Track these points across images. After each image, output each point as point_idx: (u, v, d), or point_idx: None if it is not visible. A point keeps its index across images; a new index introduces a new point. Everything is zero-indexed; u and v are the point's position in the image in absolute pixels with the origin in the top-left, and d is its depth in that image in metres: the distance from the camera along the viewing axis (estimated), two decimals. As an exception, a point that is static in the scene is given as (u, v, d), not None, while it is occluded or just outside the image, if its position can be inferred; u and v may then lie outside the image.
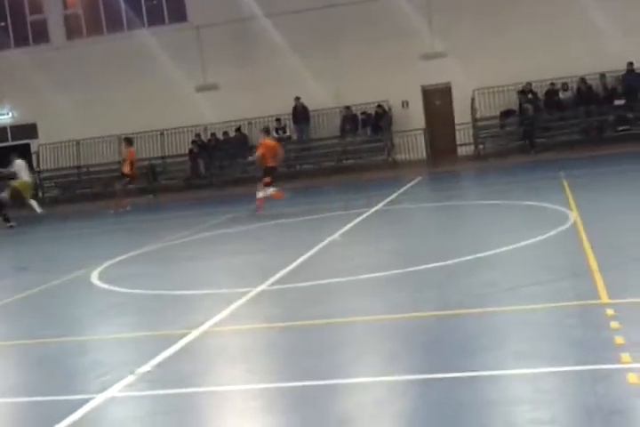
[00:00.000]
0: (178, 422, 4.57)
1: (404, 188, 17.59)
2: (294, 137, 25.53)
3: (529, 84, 23.15)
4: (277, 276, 8.42)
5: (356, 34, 24.59)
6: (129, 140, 20.94)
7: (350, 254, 9.59)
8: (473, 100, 23.36)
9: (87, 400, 4.92)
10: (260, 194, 15.13)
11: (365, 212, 13.24)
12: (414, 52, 24.21)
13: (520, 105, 23.23)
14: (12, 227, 18.72)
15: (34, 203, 19.84)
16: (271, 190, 15.28)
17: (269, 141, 15.52)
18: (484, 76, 23.13)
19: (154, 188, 24.09)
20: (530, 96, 23.22)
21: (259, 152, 15.29)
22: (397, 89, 24.12)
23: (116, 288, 8.99)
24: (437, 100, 25.14)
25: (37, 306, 8.73)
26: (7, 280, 10.90)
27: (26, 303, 8.90)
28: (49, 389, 5.49)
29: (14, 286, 10.03)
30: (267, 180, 15.20)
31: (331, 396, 4.75)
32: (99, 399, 4.94)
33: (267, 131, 16.45)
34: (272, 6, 24.53)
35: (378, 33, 24.26)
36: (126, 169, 20.17)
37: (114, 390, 5.11)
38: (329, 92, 24.29)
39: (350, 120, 24.67)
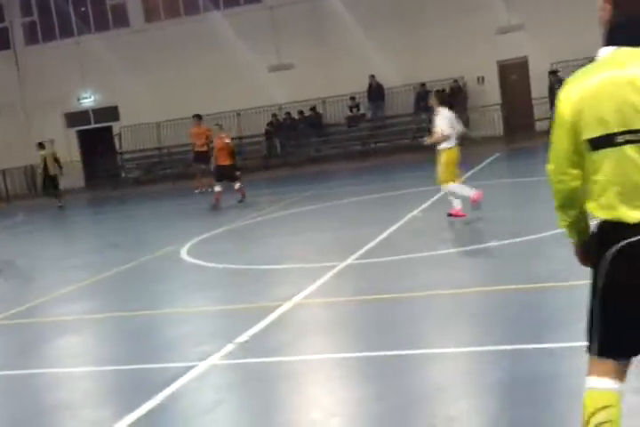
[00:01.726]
0: (273, 389, 4.82)
1: (482, 164, 17.50)
2: (368, 115, 25.58)
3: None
4: (361, 251, 8.62)
5: (429, 9, 24.36)
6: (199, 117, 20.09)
7: (431, 230, 9.70)
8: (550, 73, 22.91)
9: (190, 368, 5.23)
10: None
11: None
12: (489, 27, 23.85)
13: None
14: (61, 207, 19.68)
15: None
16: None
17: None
18: (561, 49, 22.63)
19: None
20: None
21: None
22: (472, 64, 23.84)
23: (206, 263, 9.35)
24: (513, 75, 24.75)
25: (132, 280, 9.16)
26: (101, 256, 11.41)
27: (120, 278, 9.34)
28: (151, 357, 5.82)
29: (108, 261, 10.50)
30: None
31: (422, 364, 4.93)
32: (200, 367, 5.23)
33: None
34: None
35: (451, 8, 23.97)
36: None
37: (214, 359, 5.40)
38: (403, 69, 24.19)
39: (424, 97, 24.53)
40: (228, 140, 15.98)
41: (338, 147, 24.69)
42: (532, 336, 5.08)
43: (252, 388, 4.88)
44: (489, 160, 18.51)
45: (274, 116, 25.97)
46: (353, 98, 25.16)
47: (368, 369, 4.99)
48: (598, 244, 2.59)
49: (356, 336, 5.77)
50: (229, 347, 5.59)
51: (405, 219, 10.61)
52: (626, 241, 2.46)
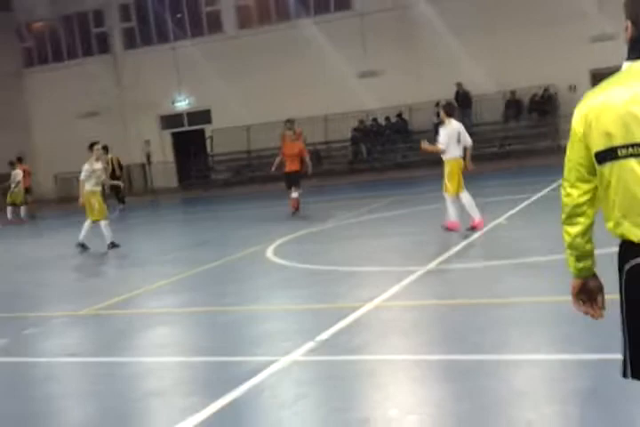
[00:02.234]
0: (352, 386, 4.96)
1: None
2: (456, 122, 25.46)
3: None
4: (443, 256, 8.69)
5: (519, 17, 24.09)
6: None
7: (516, 238, 9.66)
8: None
9: (273, 362, 5.43)
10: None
11: (531, 197, 13.16)
12: (582, 34, 23.41)
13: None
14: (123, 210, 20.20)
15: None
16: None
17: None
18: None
19: (318, 172, 24.81)
20: None
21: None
22: (564, 72, 23.45)
23: (291, 263, 9.60)
24: (607, 84, 24.19)
25: (220, 277, 9.49)
26: (191, 253, 11.83)
27: (209, 274, 9.70)
28: (236, 350, 6.06)
29: (198, 258, 10.88)
30: None
31: (503, 369, 4.98)
32: (283, 362, 5.43)
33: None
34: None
35: (542, 15, 23.65)
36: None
37: (296, 355, 5.58)
38: (491, 76, 23.99)
39: (514, 105, 24.28)
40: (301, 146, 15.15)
41: (425, 154, 24.66)
42: (618, 346, 5.04)
43: (331, 384, 5.03)
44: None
45: (360, 121, 26.16)
46: (438, 104, 25.08)
47: (448, 372, 5.07)
48: (618, 260, 2.57)
49: (436, 339, 5.86)
50: (311, 344, 5.77)
51: (490, 226, 10.59)
52: (634, 262, 2.44)
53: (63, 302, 9.02)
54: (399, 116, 25.73)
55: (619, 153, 2.39)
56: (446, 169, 10.33)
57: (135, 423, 4.83)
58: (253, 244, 11.34)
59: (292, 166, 14.96)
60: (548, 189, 14.17)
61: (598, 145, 2.44)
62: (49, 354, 6.64)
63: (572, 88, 24.20)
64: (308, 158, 15.19)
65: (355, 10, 26.66)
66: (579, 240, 2.68)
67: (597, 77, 24.03)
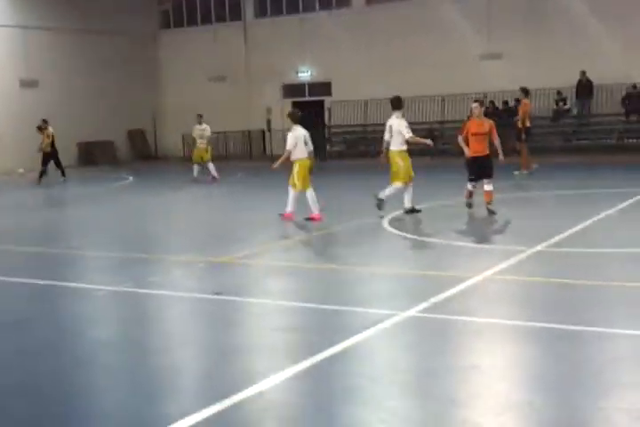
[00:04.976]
0: (456, 341, 5.72)
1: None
2: (574, 111, 25.35)
3: None
4: (554, 240, 9.26)
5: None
6: (526, 91, 18.76)
7: (624, 228, 10.10)
8: None
9: (389, 316, 6.24)
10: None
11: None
12: None
13: None
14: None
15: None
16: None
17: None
18: None
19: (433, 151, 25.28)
20: None
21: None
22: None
23: (408, 235, 10.42)
24: None
25: (344, 240, 10.42)
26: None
27: (331, 237, 10.71)
28: (355, 303, 6.88)
29: (322, 223, 11.75)
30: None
31: (600, 340, 5.61)
32: (398, 317, 6.23)
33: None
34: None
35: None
36: (523, 123, 18.27)
37: (413, 311, 6.38)
38: (616, 67, 23.73)
39: (636, 98, 23.95)
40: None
41: (539, 141, 24.70)
42: None
43: (439, 339, 5.80)
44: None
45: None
46: (560, 92, 25.03)
47: (549, 337, 5.74)
48: None
49: (537, 309, 6.51)
50: (424, 304, 6.55)
51: (600, 215, 11.03)
52: None
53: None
54: (518, 100, 25.76)
55: None
56: (295, 169, 11.86)
57: (269, 354, 5.74)
58: (371, 214, 12.13)
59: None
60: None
61: None
62: (197, 291, 7.73)
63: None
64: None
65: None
66: None
67: None
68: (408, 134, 11.89)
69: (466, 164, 11.99)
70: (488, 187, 11.55)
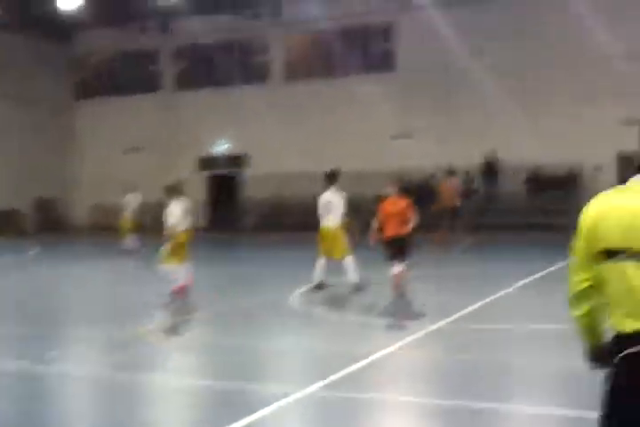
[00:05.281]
0: (357, 423, 5.79)
1: None
2: (481, 190, 26.45)
3: None
4: (454, 316, 9.54)
5: (558, 95, 25.21)
6: (452, 172, 20.62)
7: (522, 306, 10.51)
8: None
9: (290, 393, 6.27)
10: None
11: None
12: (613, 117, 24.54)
13: None
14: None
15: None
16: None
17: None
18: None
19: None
20: None
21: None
22: (591, 154, 24.46)
23: (313, 310, 10.52)
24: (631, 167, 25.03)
25: (247, 316, 10.39)
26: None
27: (234, 312, 10.65)
28: (260, 379, 6.87)
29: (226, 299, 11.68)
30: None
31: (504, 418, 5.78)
32: (302, 393, 6.27)
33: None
34: (477, 61, 25.77)
35: (577, 97, 24.84)
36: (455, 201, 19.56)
37: (312, 388, 6.43)
38: (519, 149, 25.03)
39: (534, 179, 25.24)
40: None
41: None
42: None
43: (339, 416, 5.84)
44: None
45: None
46: (468, 172, 26.11)
47: (442, 414, 5.86)
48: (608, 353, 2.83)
49: (438, 385, 6.65)
50: (324, 382, 6.60)
51: (500, 293, 11.46)
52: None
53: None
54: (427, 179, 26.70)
55: (619, 256, 2.72)
56: (171, 242, 11.05)
57: None
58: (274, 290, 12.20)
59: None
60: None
61: (600, 245, 2.78)
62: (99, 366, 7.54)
63: (599, 169, 25.11)
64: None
65: (397, 72, 27.89)
66: (586, 320, 2.97)
67: (623, 160, 25.04)
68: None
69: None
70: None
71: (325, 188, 12.13)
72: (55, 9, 25.53)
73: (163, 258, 11.43)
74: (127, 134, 31.57)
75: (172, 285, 11.30)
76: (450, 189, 19.76)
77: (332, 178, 12.03)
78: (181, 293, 11.29)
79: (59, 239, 27.39)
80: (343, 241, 11.90)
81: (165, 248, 11.44)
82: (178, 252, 11.35)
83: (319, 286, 12.07)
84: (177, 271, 11.31)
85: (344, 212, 11.90)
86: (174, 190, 11.78)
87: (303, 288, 12.28)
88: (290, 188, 27.88)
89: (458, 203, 19.59)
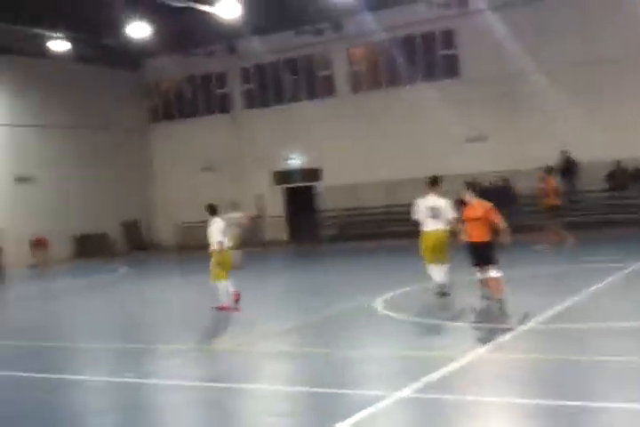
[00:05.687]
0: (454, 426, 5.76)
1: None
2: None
3: None
4: (545, 315, 9.39)
5: (629, 86, 24.57)
6: (550, 170, 20.36)
7: (615, 302, 10.26)
8: None
9: (385, 396, 6.30)
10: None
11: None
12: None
13: None
14: None
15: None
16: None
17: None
18: None
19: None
20: None
21: None
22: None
23: (400, 316, 10.55)
24: None
25: (336, 323, 10.48)
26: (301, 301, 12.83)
27: (323, 320, 10.75)
28: (354, 385, 6.92)
29: (310, 308, 11.82)
30: None
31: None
32: (397, 396, 6.29)
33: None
34: (540, 64, 25.37)
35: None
36: (553, 201, 19.24)
37: (407, 392, 6.44)
38: (597, 145, 24.45)
39: (618, 174, 24.55)
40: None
41: (536, 218, 24.95)
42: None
43: (435, 419, 5.84)
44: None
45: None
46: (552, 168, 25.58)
47: (543, 415, 5.79)
48: None
49: (535, 387, 6.56)
50: (418, 385, 6.60)
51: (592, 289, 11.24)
52: None
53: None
54: (505, 180, 26.31)
55: None
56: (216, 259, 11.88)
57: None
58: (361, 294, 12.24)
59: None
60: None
61: None
62: (193, 379, 7.75)
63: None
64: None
65: (462, 77, 27.68)
66: None
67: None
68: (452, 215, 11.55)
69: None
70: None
71: (426, 193, 11.89)
72: (125, 38, 26.32)
73: (212, 276, 11.89)
74: (202, 154, 32.21)
75: (220, 301, 11.79)
76: (553, 188, 19.56)
77: (434, 183, 11.86)
78: (228, 309, 11.71)
79: (146, 259, 28.18)
80: (447, 247, 11.64)
81: (212, 266, 11.77)
82: (222, 268, 11.80)
83: (442, 293, 11.65)
84: (223, 288, 11.84)
85: (453, 217, 11.44)
86: (212, 209, 12.15)
87: (390, 294, 12.31)
88: (364, 197, 27.94)
89: (559, 202, 19.37)
